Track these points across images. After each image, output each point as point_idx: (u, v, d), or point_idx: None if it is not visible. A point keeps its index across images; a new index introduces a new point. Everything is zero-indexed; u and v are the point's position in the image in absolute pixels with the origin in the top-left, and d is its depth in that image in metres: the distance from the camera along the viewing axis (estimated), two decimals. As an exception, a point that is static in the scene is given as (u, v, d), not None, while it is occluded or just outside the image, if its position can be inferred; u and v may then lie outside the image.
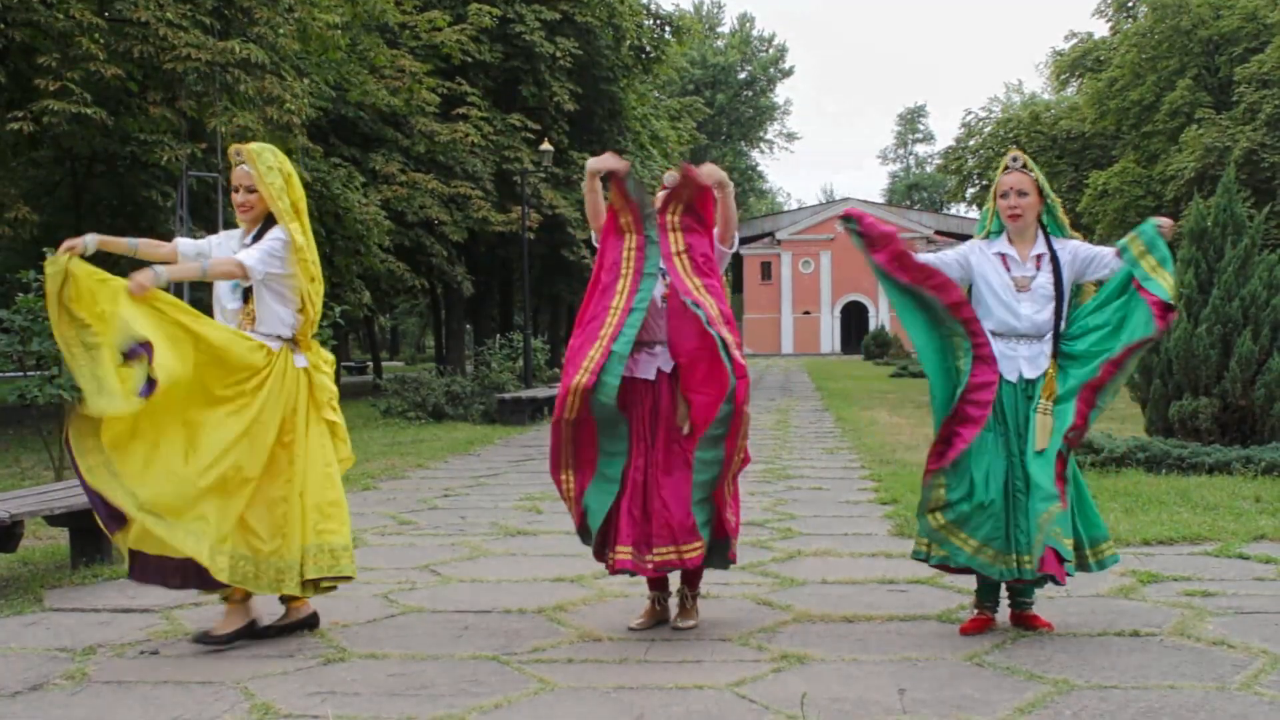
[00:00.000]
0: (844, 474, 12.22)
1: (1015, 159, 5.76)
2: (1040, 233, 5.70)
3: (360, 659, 5.23)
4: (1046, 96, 74.43)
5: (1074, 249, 5.69)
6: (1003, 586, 5.62)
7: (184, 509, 5.24)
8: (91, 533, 7.32)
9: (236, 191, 5.73)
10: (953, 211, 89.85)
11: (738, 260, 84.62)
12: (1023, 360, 5.53)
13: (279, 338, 5.61)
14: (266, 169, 5.60)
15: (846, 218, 5.53)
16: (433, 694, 4.68)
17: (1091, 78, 56.44)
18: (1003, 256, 5.66)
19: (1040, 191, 5.65)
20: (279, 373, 5.53)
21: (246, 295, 5.65)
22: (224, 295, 5.73)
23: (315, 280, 5.70)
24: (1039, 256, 5.64)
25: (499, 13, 29.55)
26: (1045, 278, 5.59)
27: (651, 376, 5.60)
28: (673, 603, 5.81)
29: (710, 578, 6.82)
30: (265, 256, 5.54)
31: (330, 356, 5.89)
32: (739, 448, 5.51)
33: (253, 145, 5.74)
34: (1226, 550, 7.44)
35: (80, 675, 5.02)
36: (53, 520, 7.13)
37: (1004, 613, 5.71)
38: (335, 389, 5.77)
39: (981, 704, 4.45)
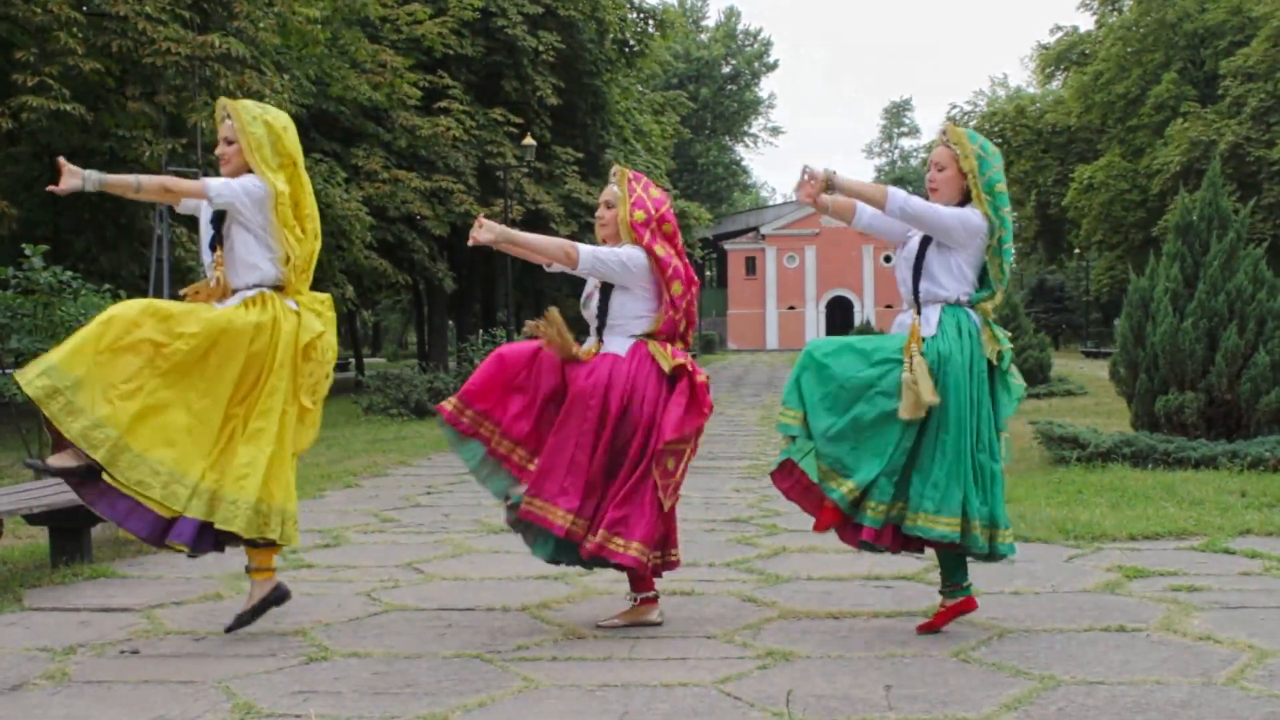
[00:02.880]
0: (829, 469, 12.17)
1: (944, 132, 5.53)
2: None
3: (343, 657, 5.19)
4: (1031, 90, 74.70)
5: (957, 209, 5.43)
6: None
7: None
8: (71, 532, 7.27)
9: (218, 145, 5.68)
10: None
11: (722, 255, 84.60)
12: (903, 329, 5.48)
13: (258, 285, 5.54)
14: (250, 119, 5.54)
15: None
16: (416, 692, 4.64)
17: (1077, 71, 56.66)
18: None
19: (961, 166, 5.43)
20: (244, 323, 5.44)
21: (213, 244, 5.57)
22: (203, 249, 5.68)
23: (297, 228, 5.60)
24: None
25: (481, 4, 29.46)
26: (914, 242, 5.50)
27: None
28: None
29: (695, 575, 6.80)
30: (231, 186, 5.47)
31: (325, 297, 5.77)
32: None
33: (239, 100, 5.71)
34: (1212, 545, 7.43)
35: (61, 675, 4.97)
36: (32, 519, 7.07)
37: (1004, 611, 5.69)
38: (319, 329, 5.60)
39: (968, 700, 4.43)
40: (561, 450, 5.47)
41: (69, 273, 11.67)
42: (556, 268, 5.75)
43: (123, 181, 5.45)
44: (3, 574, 7.11)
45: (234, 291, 5.56)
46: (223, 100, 5.70)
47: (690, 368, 5.57)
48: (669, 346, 5.60)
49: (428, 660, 5.12)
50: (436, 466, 13.14)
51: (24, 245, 11.46)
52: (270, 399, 5.43)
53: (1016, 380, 5.51)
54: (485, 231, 5.48)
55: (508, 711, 4.39)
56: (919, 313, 5.43)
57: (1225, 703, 4.34)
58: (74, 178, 5.31)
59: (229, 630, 5.58)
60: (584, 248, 5.55)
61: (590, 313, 5.72)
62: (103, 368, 5.20)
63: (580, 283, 5.97)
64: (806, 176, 5.40)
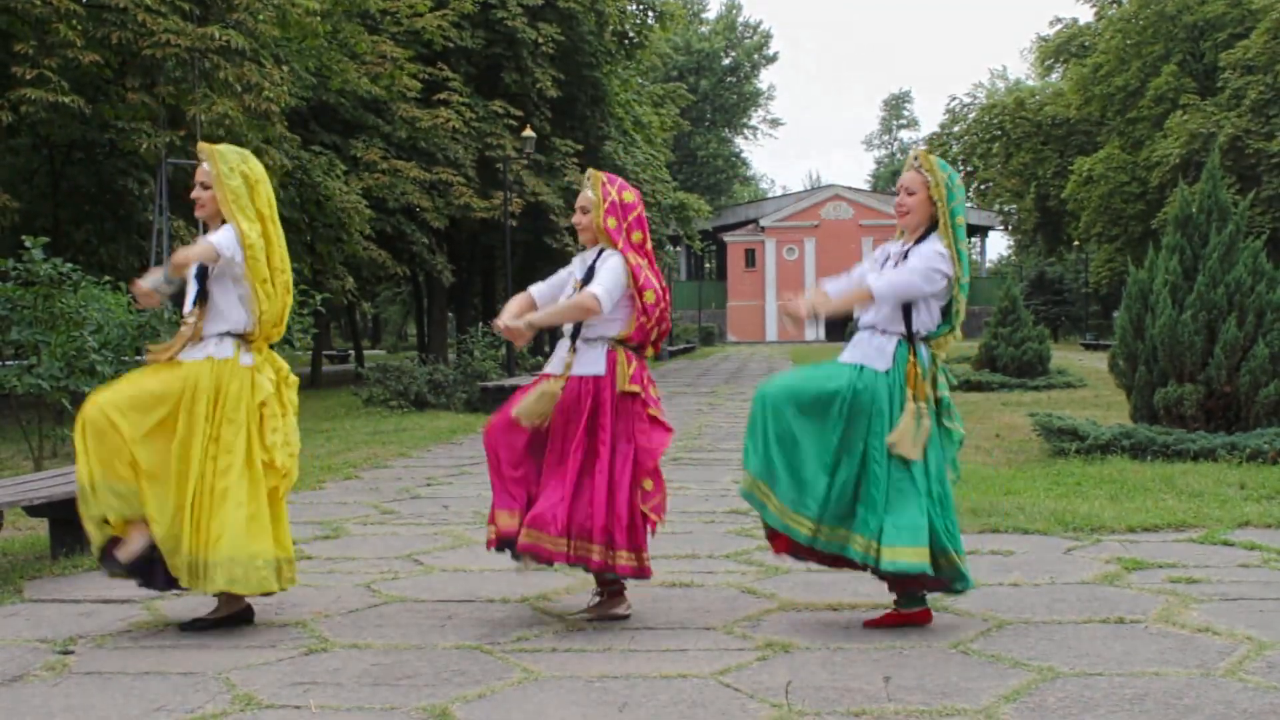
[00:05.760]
0: (828, 461, 12.17)
1: (915, 158, 5.57)
2: (931, 235, 5.51)
3: (343, 649, 5.20)
4: (1031, 82, 74.56)
5: (921, 251, 5.45)
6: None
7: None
8: (71, 523, 7.26)
9: (194, 188, 5.74)
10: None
11: (721, 248, 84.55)
12: (872, 350, 5.47)
13: (229, 334, 5.62)
14: (227, 169, 5.61)
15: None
16: (416, 684, 4.65)
17: (1076, 63, 56.59)
18: (889, 254, 5.62)
19: (931, 194, 5.46)
20: (200, 377, 5.55)
21: (199, 298, 5.66)
22: (187, 302, 5.76)
23: (268, 283, 5.65)
24: (904, 253, 5.53)
25: (481, -3, 29.44)
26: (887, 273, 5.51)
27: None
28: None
29: (694, 566, 6.81)
30: (231, 238, 5.57)
31: (282, 364, 5.83)
32: None
33: (219, 145, 5.76)
34: (1211, 537, 7.44)
35: (61, 666, 4.99)
36: (32, 511, 7.08)
37: (986, 602, 5.68)
38: (270, 390, 5.65)
39: (966, 691, 4.44)
40: (560, 483, 5.49)
41: (69, 265, 11.67)
42: (551, 296, 5.84)
43: (177, 267, 5.66)
44: (3, 566, 7.12)
45: (202, 338, 5.63)
46: (203, 145, 5.76)
47: (644, 396, 5.60)
48: (633, 362, 5.62)
49: (428, 652, 5.13)
50: (436, 458, 13.14)
51: (24, 237, 11.46)
52: (228, 456, 5.49)
53: (955, 427, 5.50)
54: (516, 336, 5.59)
55: (507, 703, 4.40)
56: (914, 351, 5.44)
57: (1224, 694, 4.35)
58: (150, 297, 5.65)
59: (184, 628, 5.60)
60: (600, 294, 5.52)
61: None
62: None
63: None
64: (790, 316, 5.55)
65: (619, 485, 5.48)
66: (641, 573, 5.56)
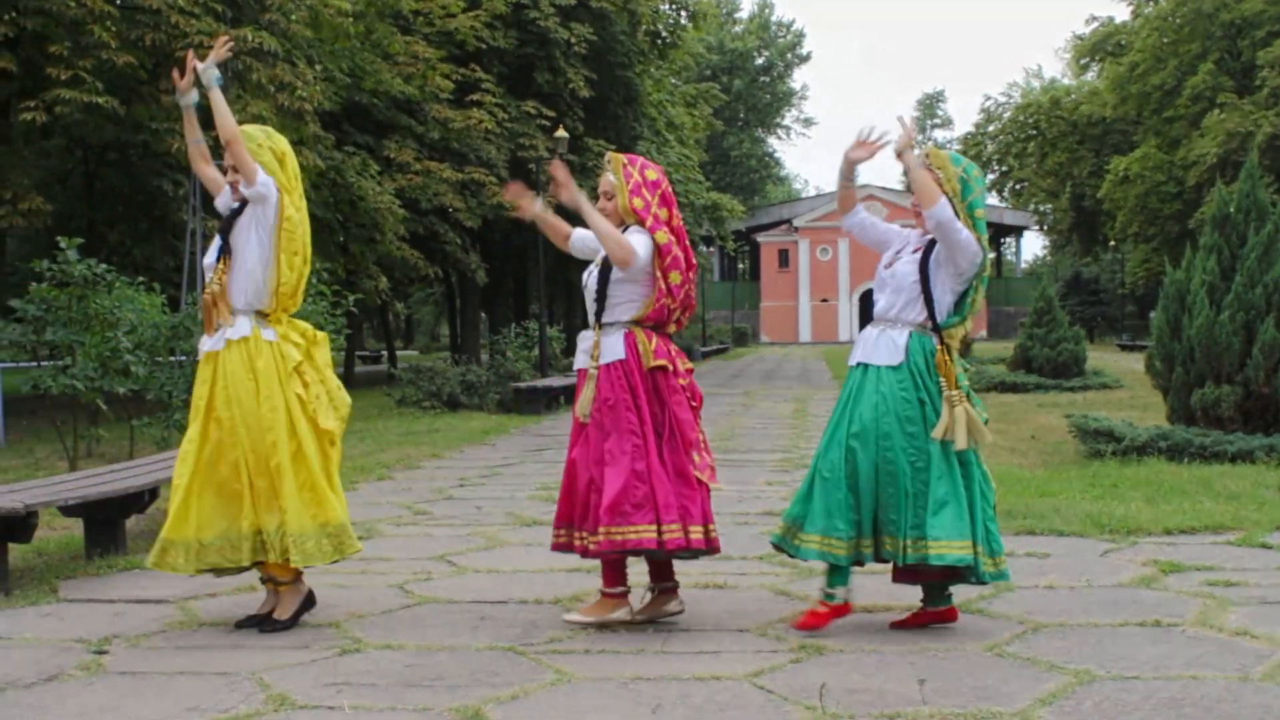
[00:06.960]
0: (861, 462, 12.13)
1: (926, 156, 5.48)
2: None
3: (376, 649, 5.20)
4: (1066, 81, 74.22)
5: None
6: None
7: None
8: (106, 523, 7.31)
9: (227, 173, 5.76)
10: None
11: (755, 248, 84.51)
12: (881, 346, 5.41)
13: (243, 310, 5.63)
14: (256, 146, 5.64)
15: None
16: (449, 685, 4.65)
17: (1112, 62, 56.32)
18: (908, 241, 5.57)
19: (944, 189, 5.36)
20: (225, 359, 5.58)
21: (221, 254, 5.66)
22: (210, 252, 5.78)
23: (297, 255, 5.70)
24: (926, 243, 5.46)
25: (514, -2, 29.52)
26: (906, 267, 5.44)
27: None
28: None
29: (728, 568, 6.79)
30: (271, 184, 5.60)
31: (307, 327, 5.84)
32: None
33: (244, 126, 5.77)
34: (1249, 540, 7.37)
35: (96, 666, 5.01)
36: (67, 511, 7.11)
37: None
38: (298, 357, 5.67)
39: (1002, 695, 4.41)
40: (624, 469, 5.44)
41: (103, 266, 11.75)
42: (581, 248, 5.86)
43: (221, 109, 5.65)
44: (38, 566, 7.16)
45: (228, 312, 5.64)
46: None
47: (673, 367, 5.58)
48: (654, 339, 5.58)
49: (460, 653, 5.13)
50: (469, 459, 13.16)
51: (59, 238, 11.55)
52: (271, 434, 5.52)
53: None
54: (565, 190, 5.57)
55: (540, 704, 4.40)
56: (939, 339, 5.39)
57: (1262, 698, 4.31)
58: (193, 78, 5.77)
59: (260, 629, 5.63)
60: (639, 250, 5.50)
61: (590, 293, 5.71)
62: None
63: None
64: (901, 131, 5.38)
65: (668, 462, 5.46)
66: (711, 546, 5.51)
